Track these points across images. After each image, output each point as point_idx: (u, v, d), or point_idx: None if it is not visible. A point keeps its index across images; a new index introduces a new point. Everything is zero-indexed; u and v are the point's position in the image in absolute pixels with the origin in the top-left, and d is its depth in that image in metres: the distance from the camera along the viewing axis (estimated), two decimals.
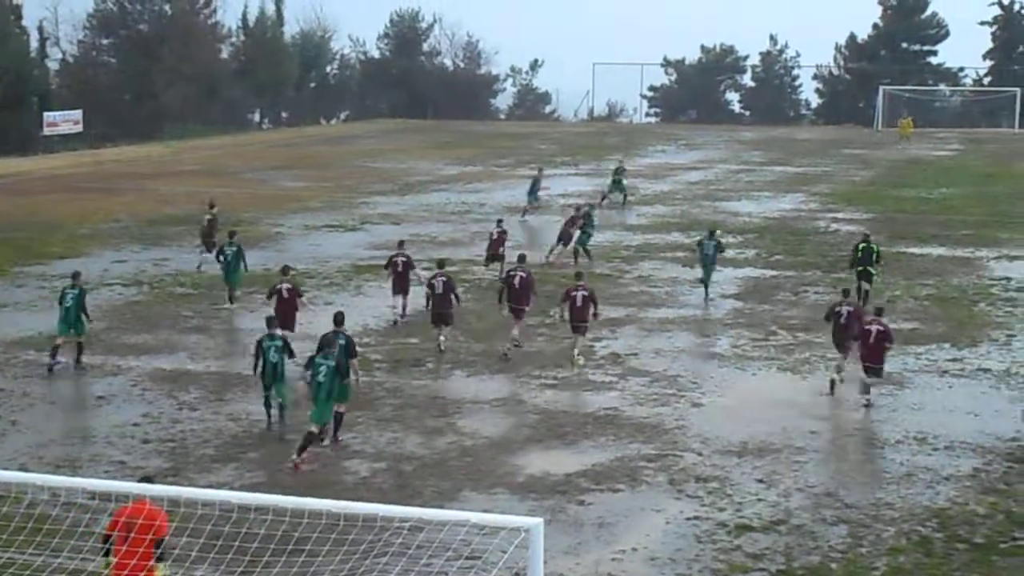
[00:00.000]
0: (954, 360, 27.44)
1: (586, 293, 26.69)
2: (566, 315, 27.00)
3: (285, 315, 26.42)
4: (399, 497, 18.75)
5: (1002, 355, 28.02)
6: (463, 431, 22.51)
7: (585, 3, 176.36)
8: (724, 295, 34.19)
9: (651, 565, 16.92)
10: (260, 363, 22.29)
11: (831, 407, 24.13)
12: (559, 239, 38.40)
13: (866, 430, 22.57)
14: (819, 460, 21.04)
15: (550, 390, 25.06)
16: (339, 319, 22.25)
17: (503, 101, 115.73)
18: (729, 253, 39.88)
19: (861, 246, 32.74)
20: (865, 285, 32.18)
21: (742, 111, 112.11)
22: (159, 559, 13.87)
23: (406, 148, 76.52)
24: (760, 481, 20.02)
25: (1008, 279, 35.61)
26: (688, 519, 18.44)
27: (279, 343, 22.39)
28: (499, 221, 36.79)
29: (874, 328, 24.19)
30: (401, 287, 30.04)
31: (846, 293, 26.95)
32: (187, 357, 27.57)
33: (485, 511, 17.63)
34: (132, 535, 13.57)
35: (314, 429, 20.47)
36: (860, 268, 32.38)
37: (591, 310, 26.63)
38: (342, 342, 21.49)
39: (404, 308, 30.12)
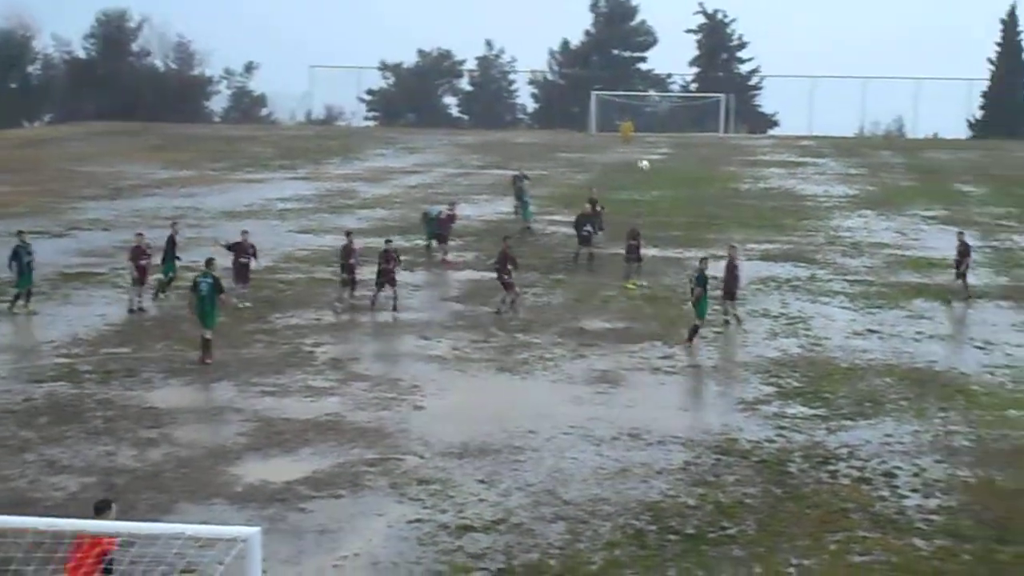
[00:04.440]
0: (665, 357, 28.31)
1: (507, 252, 32.37)
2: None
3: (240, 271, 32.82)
4: None
5: (710, 352, 29.09)
6: (179, 442, 21.91)
7: (300, 6, 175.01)
8: (444, 298, 34.39)
9: (373, 570, 16.83)
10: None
11: (549, 406, 24.54)
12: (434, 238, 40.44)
13: (582, 428, 23.02)
14: (538, 459, 21.35)
15: (269, 397, 24.67)
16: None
17: (217, 104, 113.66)
18: (448, 256, 40.24)
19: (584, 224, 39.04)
20: (584, 249, 38.87)
21: (460, 115, 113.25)
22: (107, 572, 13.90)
23: (116, 151, 74.05)
24: (481, 481, 20.19)
25: (715, 278, 36.94)
26: (410, 522, 18.43)
27: (211, 280, 27.08)
28: None
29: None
30: (387, 279, 32.87)
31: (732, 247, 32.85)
32: None
33: (202, 523, 17.20)
34: (80, 552, 13.73)
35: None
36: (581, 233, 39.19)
37: (509, 266, 32.11)
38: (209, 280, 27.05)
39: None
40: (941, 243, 44.99)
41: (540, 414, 23.93)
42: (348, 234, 34.81)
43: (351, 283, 32.91)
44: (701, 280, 29.74)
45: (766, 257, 41.40)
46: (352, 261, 32.99)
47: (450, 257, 39.71)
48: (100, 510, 14.39)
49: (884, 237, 46.40)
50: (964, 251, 35.83)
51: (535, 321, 31.60)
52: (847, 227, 48.74)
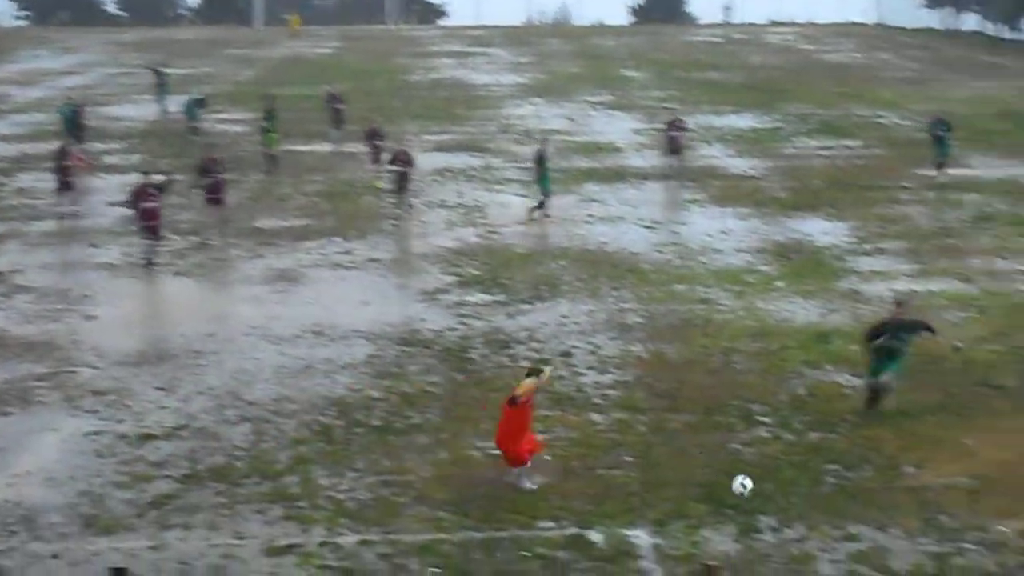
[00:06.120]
0: (345, 253, 28.15)
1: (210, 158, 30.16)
2: None
3: None
4: None
5: (388, 245, 29.10)
6: None
7: None
8: (110, 203, 33.07)
9: (49, 486, 16.15)
10: None
11: (227, 308, 24.06)
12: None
13: (263, 328, 22.65)
14: (218, 361, 20.91)
15: None
16: None
17: None
18: (112, 159, 38.71)
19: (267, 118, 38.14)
20: (267, 149, 37.37)
21: (119, 12, 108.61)
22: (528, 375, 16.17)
23: None
24: (160, 388, 19.64)
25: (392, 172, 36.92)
26: (86, 435, 17.77)
27: None
28: None
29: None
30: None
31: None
32: None
33: None
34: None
35: None
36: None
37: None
38: None
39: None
40: (608, 128, 46.34)
41: (219, 316, 23.45)
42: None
43: (68, 188, 31.85)
44: (538, 159, 31.85)
45: (440, 148, 41.58)
46: (67, 163, 31.77)
47: (82, 157, 38.10)
48: (531, 374, 16.24)
49: (554, 124, 47.33)
50: (683, 128, 37.32)
51: (209, 223, 30.80)
52: (519, 115, 49.47)
